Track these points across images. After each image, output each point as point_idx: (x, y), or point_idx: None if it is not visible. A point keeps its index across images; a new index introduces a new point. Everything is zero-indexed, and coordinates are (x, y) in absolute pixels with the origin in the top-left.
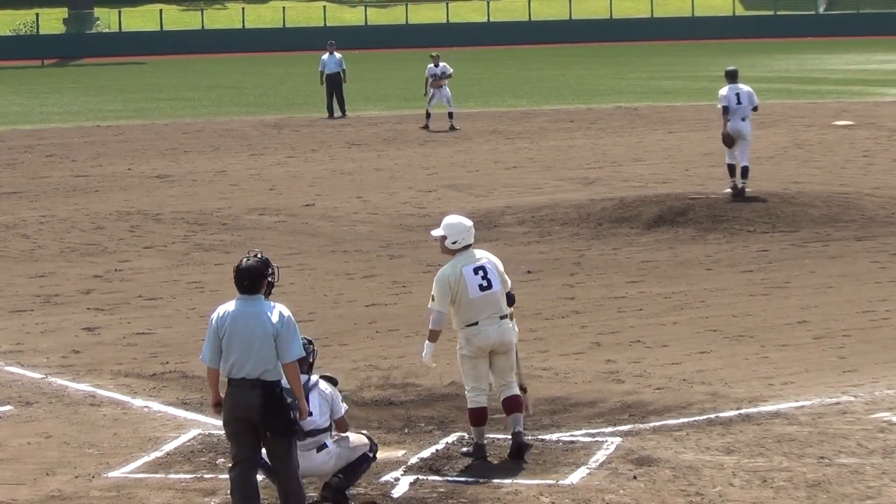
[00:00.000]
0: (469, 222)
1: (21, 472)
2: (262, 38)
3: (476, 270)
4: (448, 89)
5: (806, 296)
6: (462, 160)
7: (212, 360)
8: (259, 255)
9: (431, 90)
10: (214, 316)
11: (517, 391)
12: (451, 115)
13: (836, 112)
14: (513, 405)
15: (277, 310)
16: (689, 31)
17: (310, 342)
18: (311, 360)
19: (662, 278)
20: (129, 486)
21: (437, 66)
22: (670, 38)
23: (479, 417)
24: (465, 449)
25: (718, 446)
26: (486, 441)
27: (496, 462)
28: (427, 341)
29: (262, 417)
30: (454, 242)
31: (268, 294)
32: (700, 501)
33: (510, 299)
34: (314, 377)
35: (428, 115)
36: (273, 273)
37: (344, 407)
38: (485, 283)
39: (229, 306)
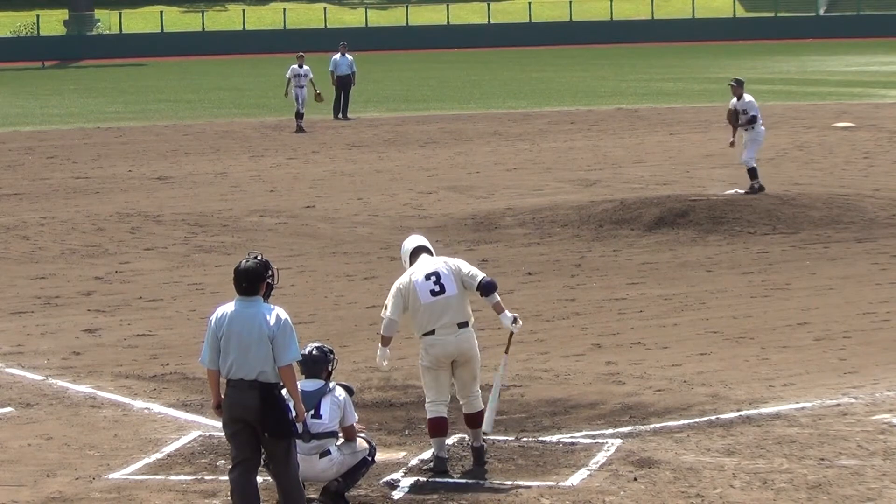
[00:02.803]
0: (407, 243)
1: (22, 473)
2: (262, 40)
3: (428, 276)
4: (305, 91)
5: (806, 297)
6: (462, 162)
7: (211, 362)
8: (259, 257)
9: (294, 91)
10: (213, 317)
11: (480, 406)
12: (301, 116)
13: (836, 114)
14: (473, 421)
15: (275, 312)
16: (690, 33)
17: (331, 351)
18: (330, 368)
19: (663, 280)
20: (130, 487)
21: (301, 66)
22: (671, 40)
23: (438, 428)
24: (427, 458)
25: (719, 448)
26: (446, 454)
27: (497, 464)
28: (380, 345)
29: (259, 418)
30: (404, 263)
31: (267, 296)
32: (701, 503)
33: (490, 286)
34: (331, 384)
35: (298, 116)
36: (272, 275)
37: (355, 417)
38: (437, 289)
39: (228, 307)
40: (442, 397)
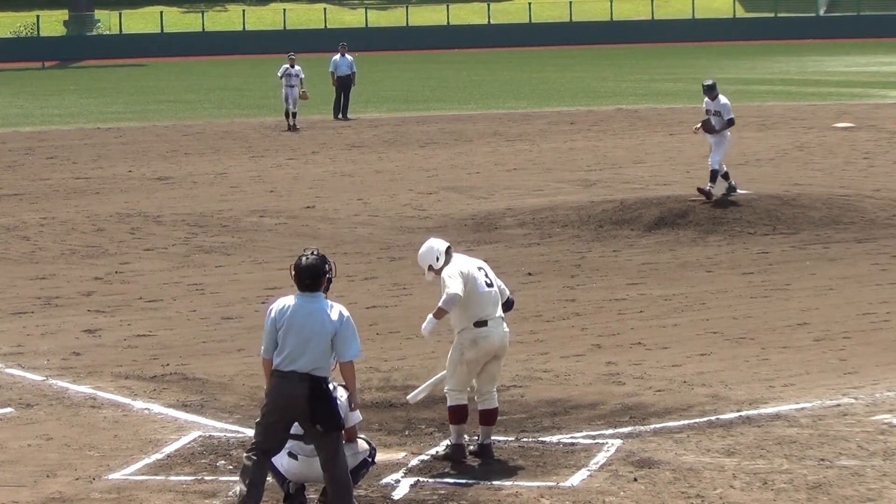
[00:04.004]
0: (437, 244)
1: (22, 474)
2: (262, 40)
3: (479, 269)
4: (296, 90)
5: (806, 298)
6: (462, 162)
7: (269, 352)
8: (315, 252)
9: (284, 90)
10: (273, 308)
11: (496, 404)
12: (293, 115)
13: (836, 114)
14: (489, 417)
15: (337, 309)
16: (690, 33)
17: None
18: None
19: (663, 280)
20: (130, 488)
21: (292, 66)
22: (671, 40)
23: (461, 415)
24: (442, 451)
25: (719, 448)
26: (465, 441)
27: (497, 464)
28: (431, 315)
29: (306, 409)
30: (437, 259)
31: (326, 290)
32: (701, 503)
33: (512, 306)
34: (332, 384)
35: (288, 115)
36: (331, 269)
37: (358, 417)
38: (488, 281)
39: (288, 300)
40: (464, 388)
